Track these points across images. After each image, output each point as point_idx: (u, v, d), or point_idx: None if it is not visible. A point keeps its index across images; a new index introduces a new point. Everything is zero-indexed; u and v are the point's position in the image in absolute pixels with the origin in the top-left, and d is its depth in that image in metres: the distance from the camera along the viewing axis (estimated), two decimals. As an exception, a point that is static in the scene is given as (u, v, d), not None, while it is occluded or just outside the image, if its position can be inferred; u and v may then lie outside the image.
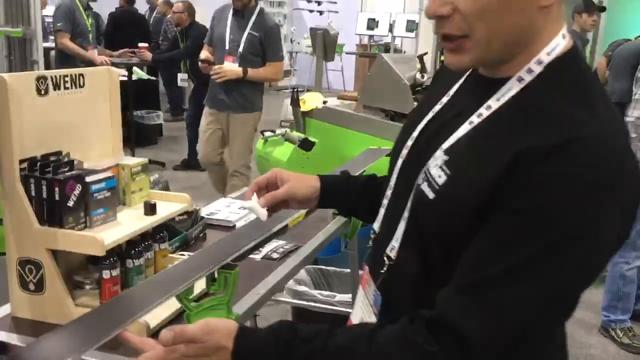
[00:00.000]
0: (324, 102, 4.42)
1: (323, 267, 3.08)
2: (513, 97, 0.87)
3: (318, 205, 1.26)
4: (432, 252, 0.92)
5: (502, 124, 0.87)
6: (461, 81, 1.01)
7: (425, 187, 0.91)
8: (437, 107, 1.02)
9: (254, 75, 4.05)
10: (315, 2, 13.11)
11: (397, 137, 1.09)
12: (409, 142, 1.02)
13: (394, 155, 1.08)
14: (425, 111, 1.03)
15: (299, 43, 12.38)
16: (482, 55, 0.88)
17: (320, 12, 13.06)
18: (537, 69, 0.87)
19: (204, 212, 2.12)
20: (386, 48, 10.58)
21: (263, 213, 1.16)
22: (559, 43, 0.88)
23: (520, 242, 0.80)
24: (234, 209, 2.21)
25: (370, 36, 11.80)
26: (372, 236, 1.09)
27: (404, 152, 1.03)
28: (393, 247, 0.98)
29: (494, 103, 0.89)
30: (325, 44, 4.77)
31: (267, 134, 3.98)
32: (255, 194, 1.19)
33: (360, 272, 1.31)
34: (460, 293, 0.83)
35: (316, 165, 3.76)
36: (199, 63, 4.17)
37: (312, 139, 3.93)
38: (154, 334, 1.39)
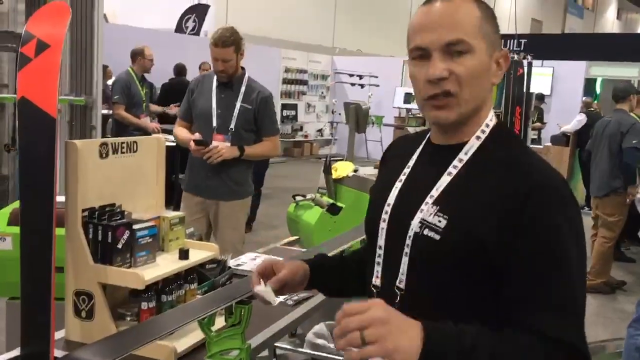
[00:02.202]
0: (355, 171, 4.72)
1: (343, 323, 3.30)
2: (476, 151, 1.18)
3: (307, 286, 1.41)
4: (442, 278, 1.14)
5: (477, 174, 1.15)
6: (417, 154, 1.26)
7: (427, 232, 1.14)
8: (403, 177, 1.25)
9: (251, 154, 3.44)
10: (357, 76, 13.70)
11: (369, 211, 1.31)
12: (387, 208, 1.23)
13: (372, 224, 1.27)
14: (390, 184, 1.25)
15: (340, 114, 12.88)
16: (462, 111, 1.16)
17: (362, 86, 13.62)
18: (487, 130, 1.20)
19: (232, 263, 2.41)
20: (423, 121, 10.96)
21: (274, 298, 1.29)
22: (493, 114, 1.23)
23: (556, 253, 1.08)
24: (258, 261, 2.49)
25: (408, 109, 12.24)
26: (375, 291, 1.24)
27: (385, 216, 1.23)
28: (401, 280, 1.18)
29: (463, 156, 1.18)
30: (358, 117, 5.11)
31: (298, 198, 4.28)
32: (262, 280, 1.33)
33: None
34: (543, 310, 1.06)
35: (342, 228, 4.02)
36: (192, 145, 3.33)
37: (339, 204, 4.22)
38: (181, 358, 1.67)
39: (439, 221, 1.13)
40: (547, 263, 1.08)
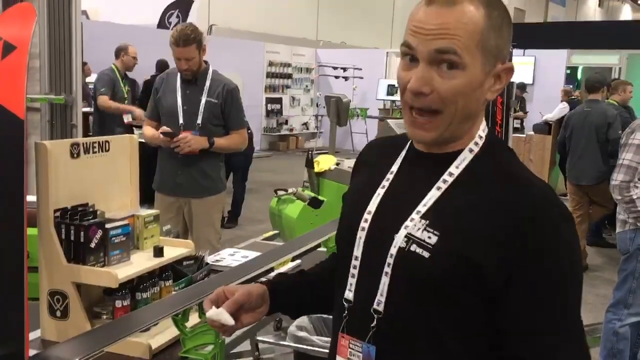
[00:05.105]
0: (337, 164, 4.75)
1: (325, 315, 3.32)
2: (468, 164, 1.08)
3: (271, 306, 1.28)
4: (429, 301, 1.03)
5: (472, 185, 1.05)
6: (400, 160, 1.16)
7: (415, 248, 1.03)
8: (386, 183, 1.14)
9: (219, 146, 3.40)
10: (341, 68, 13.70)
11: (344, 217, 1.21)
12: (367, 216, 1.12)
13: (348, 231, 1.16)
14: (370, 190, 1.15)
15: (324, 107, 12.88)
16: (442, 132, 1.06)
17: (346, 78, 13.63)
18: (480, 142, 1.10)
19: (211, 259, 2.42)
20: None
21: (229, 318, 1.19)
22: (486, 124, 1.13)
23: (558, 285, 1.00)
24: (237, 257, 2.52)
25: (393, 101, 12.27)
26: (347, 305, 1.14)
27: (364, 225, 1.12)
28: (380, 302, 1.07)
29: (454, 170, 1.07)
30: (339, 110, 5.13)
31: (280, 192, 4.29)
32: (213, 306, 1.21)
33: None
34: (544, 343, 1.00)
35: (324, 221, 4.03)
36: (160, 137, 3.34)
37: (321, 197, 4.24)
38: (156, 354, 1.68)
39: (429, 237, 1.03)
40: (549, 296, 1.00)
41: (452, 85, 1.03)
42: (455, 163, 1.08)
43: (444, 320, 1.04)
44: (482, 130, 1.11)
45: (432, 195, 1.06)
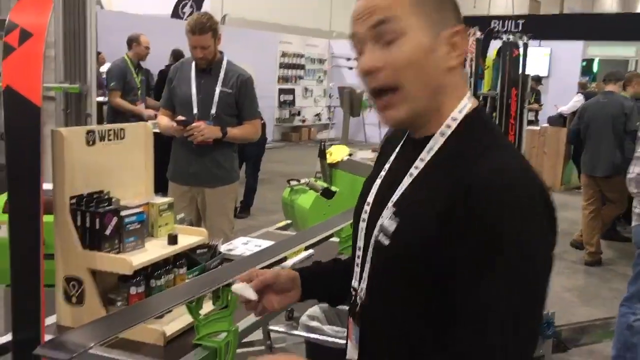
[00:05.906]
0: (349, 155, 4.74)
1: (337, 305, 3.33)
2: (440, 148, 1.04)
3: (302, 293, 1.31)
4: (396, 289, 1.04)
5: (435, 171, 1.02)
6: (399, 147, 1.16)
7: (381, 237, 1.04)
8: (383, 173, 1.16)
9: (232, 136, 3.40)
10: (355, 59, 13.64)
11: (356, 207, 1.21)
12: (366, 207, 1.13)
13: (355, 219, 1.19)
14: (375, 178, 1.17)
15: (337, 98, 12.86)
16: (412, 106, 1.02)
17: (359, 69, 13.57)
18: (454, 125, 1.04)
19: (224, 248, 2.43)
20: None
21: (252, 293, 1.24)
22: (466, 104, 1.06)
23: (492, 268, 0.92)
24: (250, 246, 2.52)
25: (406, 92, 12.23)
26: (353, 292, 1.17)
27: (364, 216, 1.13)
28: (362, 289, 1.11)
29: (425, 156, 1.04)
30: (352, 101, 5.11)
31: (293, 182, 4.30)
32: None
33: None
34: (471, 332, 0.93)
35: (336, 211, 4.01)
36: (175, 125, 3.34)
37: (333, 188, 4.24)
38: (170, 341, 1.70)
39: (391, 224, 1.03)
40: (479, 280, 0.92)
41: (400, 53, 1.00)
42: (427, 148, 1.05)
43: (411, 308, 1.02)
44: (459, 110, 1.05)
45: (405, 183, 1.05)
